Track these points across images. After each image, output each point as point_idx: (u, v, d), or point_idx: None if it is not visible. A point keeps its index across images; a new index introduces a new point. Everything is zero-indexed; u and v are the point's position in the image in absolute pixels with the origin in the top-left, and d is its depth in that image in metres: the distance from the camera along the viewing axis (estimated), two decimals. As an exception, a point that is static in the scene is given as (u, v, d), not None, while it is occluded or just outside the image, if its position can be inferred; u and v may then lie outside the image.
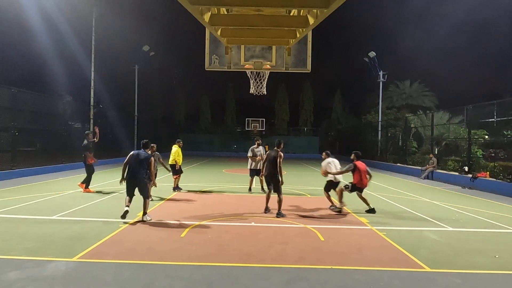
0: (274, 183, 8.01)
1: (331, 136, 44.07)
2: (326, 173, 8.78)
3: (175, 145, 11.47)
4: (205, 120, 45.83)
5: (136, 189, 7.24)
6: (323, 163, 8.97)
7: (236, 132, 44.50)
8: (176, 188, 11.37)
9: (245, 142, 40.01)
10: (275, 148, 8.21)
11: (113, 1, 26.84)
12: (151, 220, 7.13)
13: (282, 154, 8.07)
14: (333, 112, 45.20)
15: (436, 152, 19.10)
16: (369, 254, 5.43)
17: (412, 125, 23.99)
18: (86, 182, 10.70)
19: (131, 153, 7.40)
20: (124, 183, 7.30)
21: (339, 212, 8.47)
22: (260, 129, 40.40)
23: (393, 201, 10.50)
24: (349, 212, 8.52)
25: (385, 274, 4.64)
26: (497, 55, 44.97)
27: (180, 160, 11.29)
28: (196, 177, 16.26)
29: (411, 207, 9.46)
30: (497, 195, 12.15)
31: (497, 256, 5.46)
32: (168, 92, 43.86)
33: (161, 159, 9.90)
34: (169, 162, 11.17)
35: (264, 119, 40.97)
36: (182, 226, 6.78)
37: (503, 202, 10.88)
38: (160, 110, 41.47)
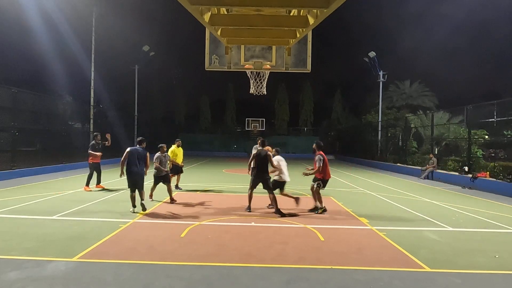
0: (264, 181, 8.19)
1: (331, 136, 43.98)
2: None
3: (173, 145, 11.51)
4: (205, 120, 45.79)
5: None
6: (275, 159, 8.40)
7: (236, 132, 44.47)
8: (176, 188, 11.44)
9: (245, 142, 40.03)
10: (261, 147, 8.41)
11: (113, 1, 26.88)
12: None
13: (270, 153, 8.32)
14: (333, 112, 45.21)
15: (436, 152, 19.09)
16: (369, 254, 5.43)
17: (412, 125, 23.94)
18: (87, 180, 11.12)
19: (129, 149, 7.80)
20: (124, 176, 7.79)
21: (325, 211, 8.34)
22: (260, 129, 40.40)
23: (393, 201, 10.50)
24: (349, 212, 8.52)
25: (385, 274, 4.64)
26: (497, 55, 45.11)
27: (178, 159, 11.30)
28: (196, 177, 16.27)
29: (411, 207, 9.46)
30: (497, 195, 12.15)
31: (497, 256, 5.46)
32: (168, 92, 43.90)
33: (170, 159, 10.31)
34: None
35: (264, 119, 40.97)
36: (182, 226, 6.78)
37: (503, 202, 10.87)
38: (160, 110, 41.51)
